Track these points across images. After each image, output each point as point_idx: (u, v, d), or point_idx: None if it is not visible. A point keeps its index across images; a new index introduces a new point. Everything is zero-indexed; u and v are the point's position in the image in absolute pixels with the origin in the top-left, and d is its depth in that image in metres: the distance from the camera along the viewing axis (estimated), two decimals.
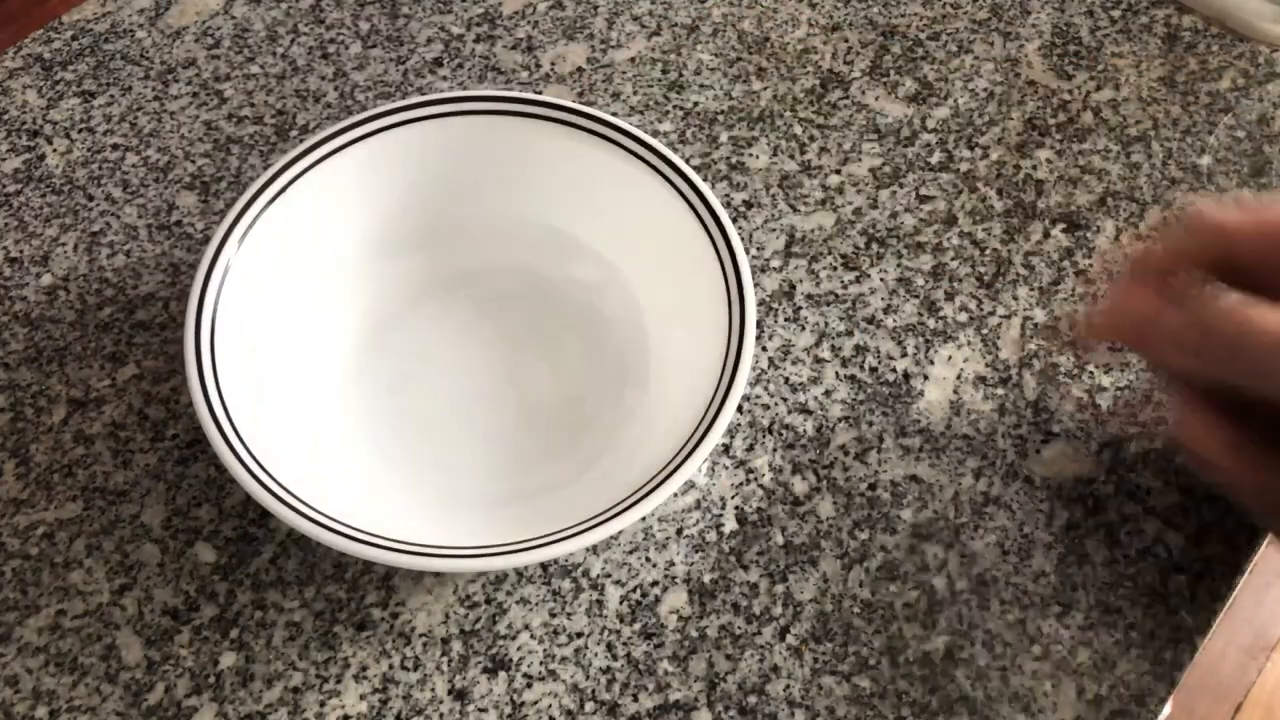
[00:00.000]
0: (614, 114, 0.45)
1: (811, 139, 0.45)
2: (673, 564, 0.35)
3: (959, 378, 0.39)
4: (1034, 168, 0.44)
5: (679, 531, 0.36)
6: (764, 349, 0.39)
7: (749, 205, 0.43)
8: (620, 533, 0.35)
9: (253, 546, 0.35)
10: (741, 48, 0.48)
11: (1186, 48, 0.48)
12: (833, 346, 0.40)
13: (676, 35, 0.48)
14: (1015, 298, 0.41)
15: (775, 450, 0.37)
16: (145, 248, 0.41)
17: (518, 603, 0.34)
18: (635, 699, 0.33)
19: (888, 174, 0.44)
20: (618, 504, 0.31)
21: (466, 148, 0.38)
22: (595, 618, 0.34)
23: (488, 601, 0.34)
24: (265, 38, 0.47)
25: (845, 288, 0.41)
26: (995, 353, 0.40)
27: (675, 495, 0.36)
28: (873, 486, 0.37)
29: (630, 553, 0.35)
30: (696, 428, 0.32)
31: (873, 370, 0.39)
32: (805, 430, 0.38)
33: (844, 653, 0.34)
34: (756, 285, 0.41)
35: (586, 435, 0.36)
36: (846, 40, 0.48)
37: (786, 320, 0.40)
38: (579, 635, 0.34)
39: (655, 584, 0.35)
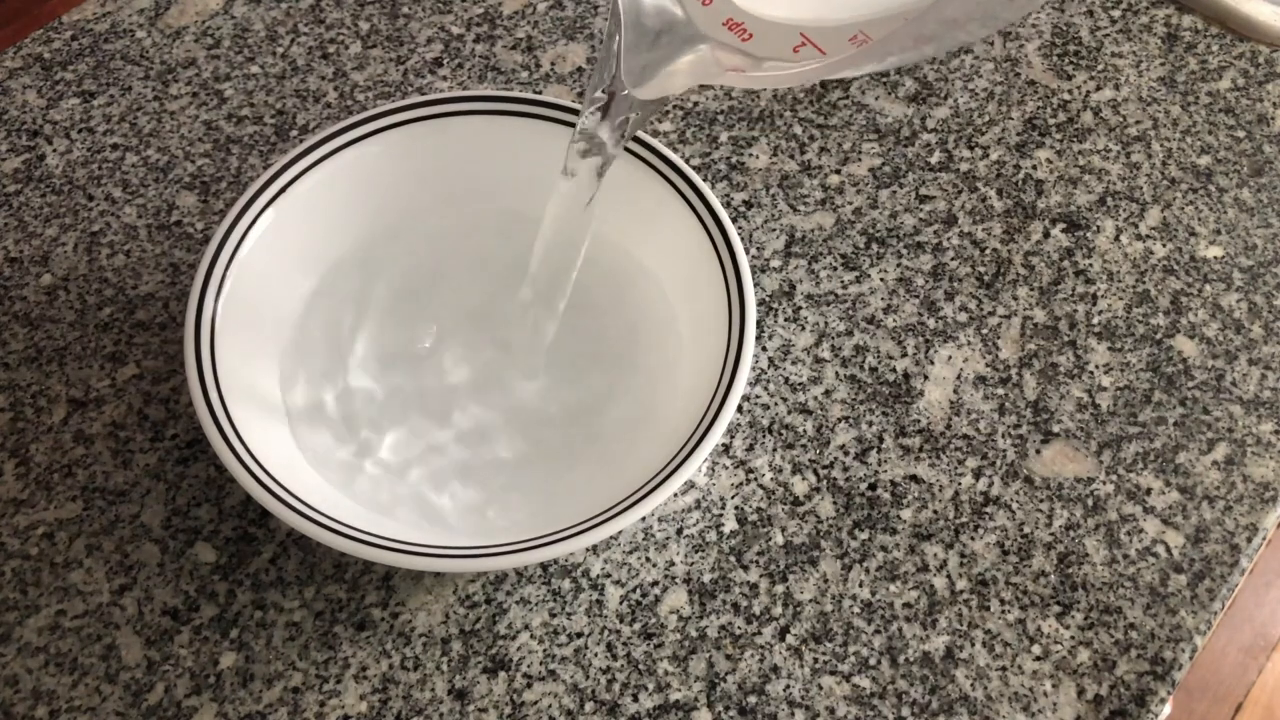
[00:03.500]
0: None
1: (811, 139, 0.45)
2: (673, 564, 0.35)
3: (959, 378, 0.39)
4: (1034, 168, 0.44)
5: (679, 531, 0.36)
6: (764, 349, 0.39)
7: (749, 205, 0.43)
8: (620, 533, 0.35)
9: (253, 546, 0.35)
10: None
11: (1186, 48, 0.48)
12: (833, 346, 0.40)
13: None
14: (1015, 298, 0.41)
15: (775, 450, 0.37)
16: (145, 248, 0.41)
17: (518, 603, 0.34)
18: (635, 699, 0.33)
19: (888, 174, 0.44)
20: (618, 504, 0.31)
21: (466, 148, 0.38)
22: (595, 618, 0.34)
23: (488, 601, 0.34)
24: (265, 38, 0.47)
25: (845, 288, 0.41)
26: (995, 353, 0.40)
27: (675, 495, 0.36)
28: (873, 486, 0.37)
29: (630, 553, 0.35)
30: (696, 428, 0.32)
31: (873, 370, 0.39)
32: (805, 430, 0.38)
33: (844, 653, 0.34)
34: (756, 285, 0.41)
35: (586, 435, 0.36)
36: None
37: (786, 320, 0.40)
38: (579, 635, 0.34)
39: (655, 584, 0.35)
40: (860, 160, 0.44)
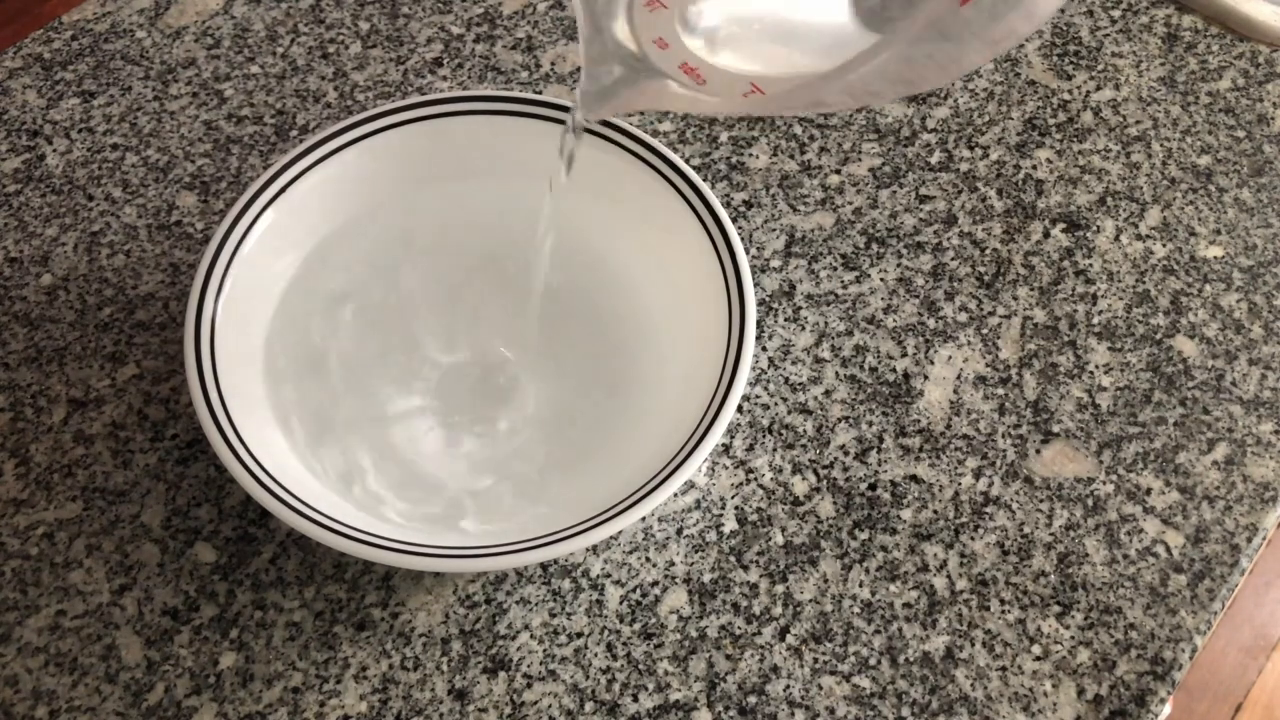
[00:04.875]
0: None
1: (811, 139, 0.45)
2: (673, 564, 0.35)
3: (959, 378, 0.39)
4: (1034, 168, 0.44)
5: (679, 531, 0.36)
6: (764, 349, 0.39)
7: (749, 205, 0.43)
8: (620, 533, 0.35)
9: (253, 546, 0.35)
10: None
11: (1186, 48, 0.48)
12: (833, 346, 0.40)
13: None
14: (1015, 298, 0.41)
15: (775, 450, 0.37)
16: (145, 248, 0.41)
17: (518, 603, 0.34)
18: (635, 699, 0.33)
19: (888, 174, 0.44)
20: (618, 504, 0.31)
21: (466, 148, 0.38)
22: (595, 618, 0.34)
23: (488, 601, 0.34)
24: (265, 38, 0.47)
25: (845, 288, 0.41)
26: (995, 353, 0.40)
27: (675, 495, 0.36)
28: (873, 486, 0.37)
29: (630, 553, 0.35)
30: (696, 428, 0.32)
31: (873, 370, 0.39)
32: (805, 430, 0.38)
33: (844, 653, 0.34)
34: (756, 285, 0.41)
35: (586, 435, 0.36)
36: None
37: (786, 320, 0.40)
38: (579, 635, 0.34)
39: (655, 584, 0.35)
40: (860, 160, 0.44)
